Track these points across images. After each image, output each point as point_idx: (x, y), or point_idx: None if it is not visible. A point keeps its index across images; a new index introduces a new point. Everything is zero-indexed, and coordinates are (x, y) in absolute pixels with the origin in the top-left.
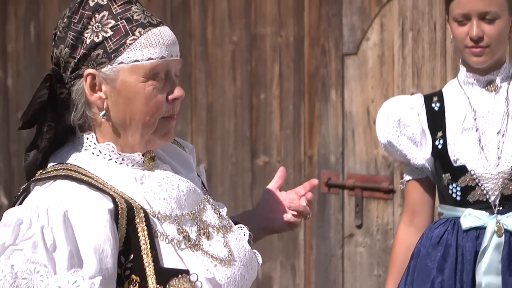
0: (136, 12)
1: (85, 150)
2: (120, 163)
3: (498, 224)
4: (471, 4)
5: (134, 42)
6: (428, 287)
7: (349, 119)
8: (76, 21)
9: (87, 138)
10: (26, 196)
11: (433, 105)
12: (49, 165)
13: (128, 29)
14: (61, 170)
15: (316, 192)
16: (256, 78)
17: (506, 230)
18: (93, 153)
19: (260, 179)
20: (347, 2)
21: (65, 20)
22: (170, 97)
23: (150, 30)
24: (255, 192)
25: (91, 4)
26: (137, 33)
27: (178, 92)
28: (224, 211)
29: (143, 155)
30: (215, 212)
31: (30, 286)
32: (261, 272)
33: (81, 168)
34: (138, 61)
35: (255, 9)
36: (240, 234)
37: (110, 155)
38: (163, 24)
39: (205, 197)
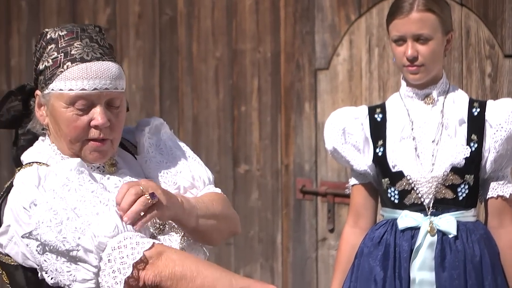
0: (76, 47)
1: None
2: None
3: (431, 224)
4: (405, 27)
5: (61, 74)
6: (371, 284)
7: (321, 130)
8: (37, 49)
9: (43, 140)
10: (12, 186)
11: (376, 116)
12: (24, 161)
13: (61, 61)
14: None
15: (292, 199)
16: (237, 92)
17: (438, 230)
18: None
19: (241, 186)
20: (319, 20)
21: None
22: (91, 123)
23: (77, 65)
24: (237, 198)
25: (48, 37)
26: (65, 67)
27: (97, 120)
28: None
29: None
30: None
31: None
32: (243, 273)
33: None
34: (62, 90)
35: (236, 26)
36: (173, 237)
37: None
38: (102, 60)
39: None
